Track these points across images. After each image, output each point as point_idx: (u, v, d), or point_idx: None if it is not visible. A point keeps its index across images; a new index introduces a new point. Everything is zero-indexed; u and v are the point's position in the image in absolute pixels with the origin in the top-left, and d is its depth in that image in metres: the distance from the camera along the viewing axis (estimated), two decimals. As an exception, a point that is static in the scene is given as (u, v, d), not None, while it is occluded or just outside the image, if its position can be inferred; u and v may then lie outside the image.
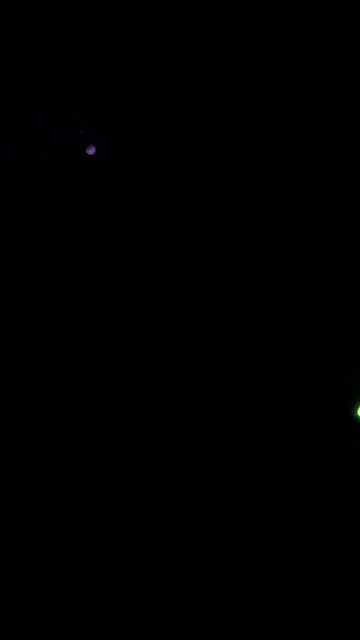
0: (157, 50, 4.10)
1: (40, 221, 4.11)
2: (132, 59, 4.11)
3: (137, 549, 3.78)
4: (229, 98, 4.11)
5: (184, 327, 4.00)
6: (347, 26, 4.05)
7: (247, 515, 3.78)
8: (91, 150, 3.86)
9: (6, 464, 3.89)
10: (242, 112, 4.11)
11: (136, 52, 4.10)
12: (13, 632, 3.68)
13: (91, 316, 4.05)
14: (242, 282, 4.02)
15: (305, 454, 3.79)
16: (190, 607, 3.70)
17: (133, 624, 3.69)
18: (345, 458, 3.77)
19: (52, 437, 3.92)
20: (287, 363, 3.92)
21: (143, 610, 3.70)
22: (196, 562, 3.74)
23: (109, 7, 4.08)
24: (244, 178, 4.10)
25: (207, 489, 3.82)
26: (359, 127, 4.09)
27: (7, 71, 4.11)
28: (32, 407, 3.95)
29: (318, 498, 3.75)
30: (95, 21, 4.09)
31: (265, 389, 3.90)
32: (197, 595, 3.71)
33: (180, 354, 3.97)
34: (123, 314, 4.04)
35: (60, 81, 4.12)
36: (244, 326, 3.98)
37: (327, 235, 4.03)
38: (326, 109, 4.10)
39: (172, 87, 4.12)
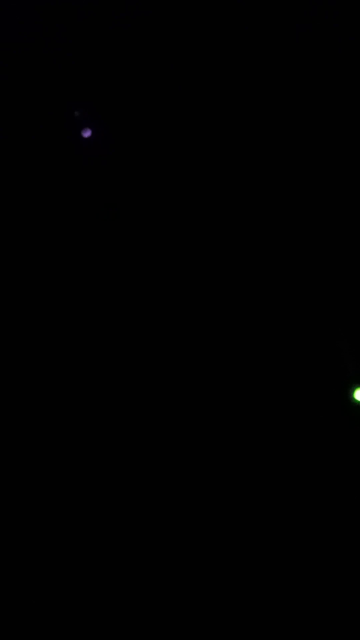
0: (157, 49, 4.11)
1: (41, 221, 4.11)
2: (132, 58, 4.12)
3: (137, 548, 3.78)
4: (227, 96, 4.13)
5: (182, 316, 4.01)
6: (347, 26, 4.07)
7: (248, 500, 3.79)
8: (87, 133, 3.87)
9: (6, 464, 3.89)
10: (241, 107, 4.12)
11: (136, 51, 4.11)
12: (13, 632, 3.67)
13: (91, 314, 4.05)
14: (239, 270, 4.03)
15: (305, 436, 3.81)
16: (190, 607, 3.69)
17: (133, 624, 3.69)
18: (344, 440, 3.78)
19: (52, 437, 3.92)
20: (286, 347, 3.93)
21: (143, 610, 3.70)
22: (196, 560, 3.74)
23: (109, 6, 4.09)
24: (243, 174, 4.11)
25: (206, 473, 3.83)
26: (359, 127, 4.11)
27: (7, 71, 4.11)
28: (32, 406, 3.96)
29: (318, 480, 3.76)
30: (95, 21, 4.10)
31: (264, 373, 3.92)
32: (197, 595, 3.70)
33: (178, 342, 3.98)
34: (123, 312, 4.04)
35: (60, 81, 4.13)
36: (241, 316, 3.99)
37: (319, 225, 4.05)
38: (326, 109, 4.11)
39: (171, 86, 4.13)
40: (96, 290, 4.07)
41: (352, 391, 3.84)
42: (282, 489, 3.79)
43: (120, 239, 4.11)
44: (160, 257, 4.09)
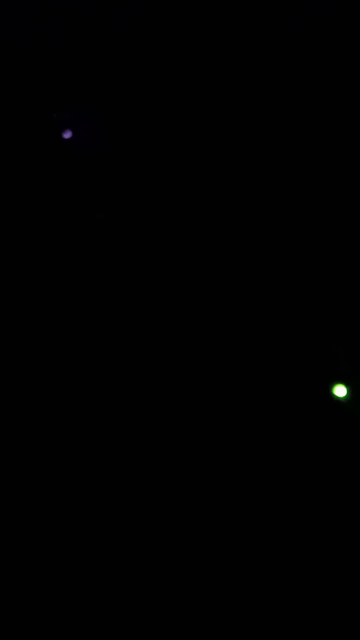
0: (157, 49, 4.12)
1: (40, 220, 4.11)
2: (132, 58, 4.12)
3: (137, 549, 3.78)
4: (227, 96, 4.13)
5: (180, 315, 4.02)
6: (347, 26, 4.07)
7: (242, 497, 3.80)
8: (67, 134, 3.89)
9: (6, 464, 3.89)
10: (241, 107, 4.12)
11: (136, 50, 4.12)
12: (13, 632, 3.67)
13: (90, 315, 4.05)
14: (237, 271, 4.04)
15: (286, 433, 3.83)
16: (190, 607, 3.69)
17: (133, 624, 3.68)
18: (323, 435, 3.80)
19: (52, 437, 3.92)
20: (268, 345, 3.95)
21: (143, 611, 3.70)
22: (195, 559, 3.74)
23: (109, 6, 4.09)
24: (243, 174, 4.11)
25: (201, 468, 3.83)
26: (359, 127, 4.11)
27: (6, 70, 4.12)
28: (32, 407, 3.96)
29: (300, 475, 3.78)
30: (94, 20, 4.10)
31: (246, 371, 3.93)
32: (197, 596, 3.71)
33: (176, 341, 3.99)
34: (122, 312, 4.05)
35: (60, 80, 4.13)
36: (238, 316, 4.01)
37: (316, 227, 4.06)
38: (326, 109, 4.12)
39: (170, 86, 4.13)
40: (95, 290, 4.07)
41: (332, 387, 3.87)
42: (273, 484, 3.80)
43: (119, 239, 4.11)
44: (159, 258, 4.09)
